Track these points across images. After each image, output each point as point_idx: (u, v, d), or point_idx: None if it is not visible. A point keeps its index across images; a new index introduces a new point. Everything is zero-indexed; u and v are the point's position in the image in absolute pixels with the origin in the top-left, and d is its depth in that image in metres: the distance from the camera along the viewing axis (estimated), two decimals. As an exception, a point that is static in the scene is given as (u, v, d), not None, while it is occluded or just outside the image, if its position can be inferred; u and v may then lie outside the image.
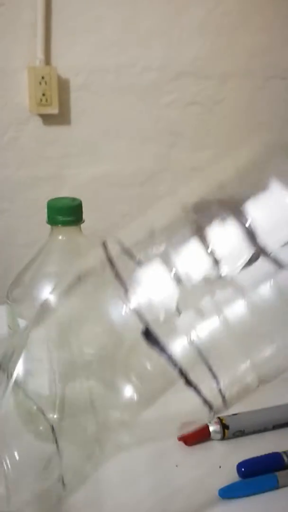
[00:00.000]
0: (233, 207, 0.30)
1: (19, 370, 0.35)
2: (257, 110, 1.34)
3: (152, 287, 0.31)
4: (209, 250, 0.29)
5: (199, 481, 0.45)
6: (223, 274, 0.30)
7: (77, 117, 1.24)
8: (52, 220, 0.46)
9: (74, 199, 0.47)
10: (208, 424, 0.49)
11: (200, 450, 0.48)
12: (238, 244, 0.29)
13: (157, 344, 0.28)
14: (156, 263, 0.31)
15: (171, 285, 0.30)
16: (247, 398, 0.53)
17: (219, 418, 0.50)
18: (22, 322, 0.45)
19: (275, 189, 0.28)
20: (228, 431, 0.49)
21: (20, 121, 1.21)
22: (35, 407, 0.36)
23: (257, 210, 0.29)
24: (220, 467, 0.46)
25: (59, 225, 0.46)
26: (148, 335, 0.28)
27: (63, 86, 1.22)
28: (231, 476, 0.45)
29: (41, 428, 0.37)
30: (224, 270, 0.29)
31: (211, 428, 0.49)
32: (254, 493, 0.43)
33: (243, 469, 0.45)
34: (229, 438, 0.49)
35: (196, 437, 0.49)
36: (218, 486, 0.44)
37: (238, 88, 1.31)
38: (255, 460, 0.46)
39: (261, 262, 0.28)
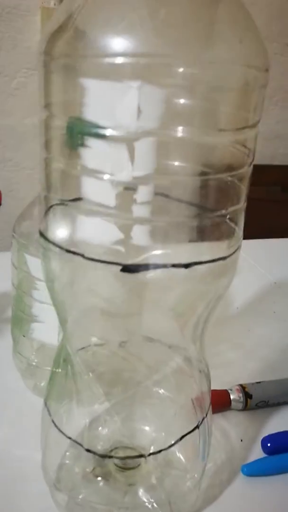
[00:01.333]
0: None
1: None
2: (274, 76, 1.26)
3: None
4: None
5: (218, 456, 0.39)
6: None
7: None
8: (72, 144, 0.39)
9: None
10: (229, 391, 0.44)
11: (219, 420, 0.43)
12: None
13: (140, 267, 0.25)
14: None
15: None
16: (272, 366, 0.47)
17: (241, 385, 0.44)
18: (29, 259, 0.39)
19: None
20: (251, 400, 0.44)
21: (30, 65, 1.13)
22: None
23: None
24: (241, 440, 0.41)
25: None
26: (128, 268, 0.25)
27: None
28: (254, 451, 0.40)
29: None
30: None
31: (232, 396, 0.44)
32: (282, 472, 0.38)
33: (268, 445, 0.40)
34: (251, 408, 0.44)
35: (215, 405, 0.43)
36: (240, 462, 0.39)
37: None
38: (283, 435, 0.41)
39: None
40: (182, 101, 0.23)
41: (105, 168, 0.24)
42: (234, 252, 0.28)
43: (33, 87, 1.15)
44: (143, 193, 0.24)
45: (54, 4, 1.10)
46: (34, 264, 0.39)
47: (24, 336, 0.42)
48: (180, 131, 0.24)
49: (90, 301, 0.30)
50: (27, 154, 1.14)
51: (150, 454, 0.35)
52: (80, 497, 0.34)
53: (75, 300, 0.30)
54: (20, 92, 1.13)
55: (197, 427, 0.34)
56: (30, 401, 0.43)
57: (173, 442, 0.34)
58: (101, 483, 0.35)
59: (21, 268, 0.41)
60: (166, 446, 0.34)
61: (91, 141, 0.23)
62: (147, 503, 0.33)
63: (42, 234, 0.28)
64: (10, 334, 0.45)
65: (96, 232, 0.25)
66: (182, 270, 0.25)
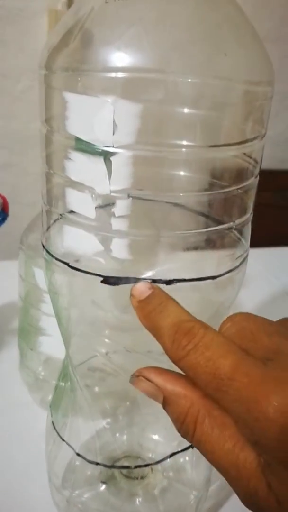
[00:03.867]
0: None
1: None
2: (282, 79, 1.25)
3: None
4: None
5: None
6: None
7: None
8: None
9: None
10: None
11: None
12: None
13: (121, 280, 0.25)
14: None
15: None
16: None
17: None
18: (37, 271, 0.38)
19: None
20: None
21: (36, 68, 1.12)
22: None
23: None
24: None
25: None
26: (108, 280, 0.25)
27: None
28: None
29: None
30: None
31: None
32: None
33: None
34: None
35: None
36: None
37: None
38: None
39: None
40: (183, 115, 0.23)
41: (85, 181, 0.23)
42: (239, 265, 0.28)
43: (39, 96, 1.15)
44: (121, 206, 0.23)
45: (61, 7, 1.09)
46: (42, 277, 0.38)
47: (31, 349, 0.41)
48: (182, 145, 0.23)
49: (92, 314, 0.29)
50: (33, 159, 1.13)
51: (156, 462, 0.34)
52: (80, 500, 0.33)
53: (78, 314, 0.29)
54: (26, 95, 1.12)
55: (191, 446, 0.33)
56: (37, 414, 0.42)
57: (169, 453, 0.33)
58: (102, 489, 0.34)
59: (29, 281, 0.40)
60: (168, 455, 0.33)
61: (73, 154, 0.23)
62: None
63: (44, 247, 0.27)
64: (17, 346, 0.44)
65: (79, 242, 0.25)
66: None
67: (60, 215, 0.25)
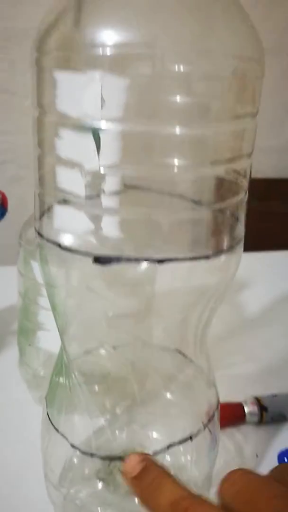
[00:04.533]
0: None
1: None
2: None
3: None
4: None
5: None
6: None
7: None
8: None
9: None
10: (244, 404, 0.42)
11: (233, 435, 0.41)
12: None
13: (112, 259, 0.25)
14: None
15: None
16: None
17: (256, 398, 0.42)
18: (36, 265, 0.38)
19: None
20: (266, 413, 0.42)
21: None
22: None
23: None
24: (257, 456, 0.39)
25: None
26: (99, 260, 0.25)
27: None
28: (270, 467, 0.38)
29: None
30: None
31: (246, 410, 0.42)
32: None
33: (286, 460, 0.38)
34: (267, 422, 0.42)
35: (229, 419, 0.41)
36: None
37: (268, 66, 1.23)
38: (300, 449, 0.39)
39: None
40: (172, 92, 0.23)
41: (74, 157, 0.24)
42: (233, 247, 0.27)
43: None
44: (111, 183, 0.23)
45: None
46: (40, 271, 0.38)
47: (30, 345, 0.41)
48: (173, 126, 0.23)
49: (88, 301, 0.29)
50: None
51: (154, 454, 0.33)
52: (77, 497, 0.32)
53: (74, 303, 0.29)
54: (34, 111, 1.14)
55: (190, 438, 0.32)
56: (36, 413, 0.42)
57: (160, 448, 0.32)
58: (100, 486, 0.33)
59: (28, 276, 0.40)
60: (166, 446, 0.32)
61: (63, 132, 0.24)
62: (143, 512, 0.32)
63: (37, 232, 0.28)
64: (16, 346, 0.44)
65: (70, 221, 0.25)
66: (184, 265, 0.25)
67: (52, 196, 0.25)
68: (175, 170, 0.24)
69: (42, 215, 0.27)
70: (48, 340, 0.39)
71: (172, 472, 0.35)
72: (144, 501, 0.23)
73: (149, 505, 0.22)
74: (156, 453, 0.32)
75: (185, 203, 0.25)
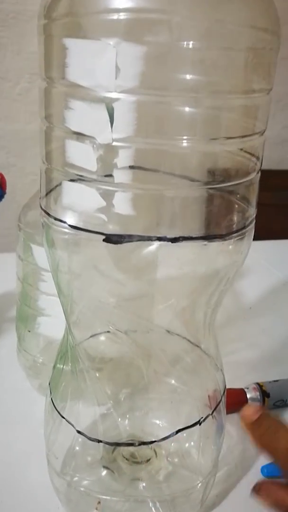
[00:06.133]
0: None
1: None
2: None
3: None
4: None
5: (233, 457, 0.37)
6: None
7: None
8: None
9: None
10: (245, 390, 0.42)
11: (236, 421, 0.40)
12: None
13: (124, 238, 0.24)
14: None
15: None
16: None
17: (258, 384, 0.42)
18: (36, 249, 0.37)
19: None
20: (268, 399, 0.41)
21: (34, 71, 1.12)
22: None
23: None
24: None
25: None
26: (111, 239, 0.24)
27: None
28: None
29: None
30: None
31: (248, 395, 0.41)
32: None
33: None
34: (269, 408, 0.41)
35: (231, 404, 0.41)
36: (259, 463, 0.36)
37: None
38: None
39: None
40: (188, 59, 0.22)
41: (86, 130, 0.22)
42: (246, 228, 0.27)
43: (37, 92, 1.15)
44: (124, 157, 0.22)
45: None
46: (41, 255, 0.37)
47: (29, 331, 0.40)
48: (186, 99, 0.22)
49: (96, 285, 0.28)
50: (31, 160, 1.13)
51: (162, 439, 0.33)
52: (81, 484, 0.32)
53: (82, 286, 0.28)
54: (23, 97, 1.12)
55: (198, 422, 0.32)
56: (36, 401, 0.41)
57: (168, 434, 0.32)
58: (104, 473, 0.33)
59: (27, 260, 0.39)
60: (174, 431, 0.32)
61: (73, 103, 0.22)
62: (149, 500, 0.31)
63: (42, 209, 0.26)
64: (14, 334, 0.43)
65: (80, 198, 0.24)
66: (195, 245, 0.24)
67: (60, 172, 0.24)
68: (186, 145, 0.23)
69: (48, 192, 0.26)
70: (49, 326, 0.38)
71: (176, 460, 0.34)
72: (263, 444, 0.25)
73: (268, 448, 0.25)
74: (163, 439, 0.31)
75: (195, 182, 0.24)
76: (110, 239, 0.24)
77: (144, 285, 0.28)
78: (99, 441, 0.31)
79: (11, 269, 0.43)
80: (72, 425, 0.31)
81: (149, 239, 0.24)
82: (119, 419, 0.35)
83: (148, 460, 0.34)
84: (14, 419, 0.39)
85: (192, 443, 0.34)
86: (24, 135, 1.13)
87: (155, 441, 0.32)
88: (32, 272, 0.39)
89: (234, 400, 0.41)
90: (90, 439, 0.30)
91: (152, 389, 0.35)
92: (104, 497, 0.31)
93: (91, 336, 0.33)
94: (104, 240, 0.24)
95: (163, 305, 0.30)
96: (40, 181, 0.27)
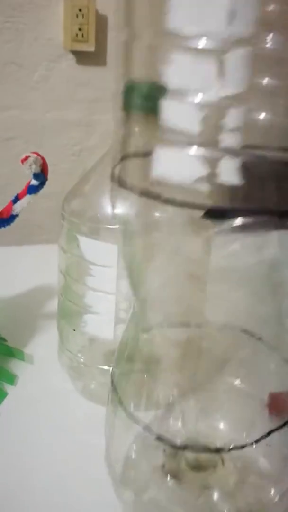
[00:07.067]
0: None
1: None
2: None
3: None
4: None
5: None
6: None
7: (113, 59, 1.12)
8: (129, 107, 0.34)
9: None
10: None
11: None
12: None
13: (228, 213, 0.20)
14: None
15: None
16: None
17: None
18: (82, 240, 0.34)
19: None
20: None
21: (52, 58, 1.09)
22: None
23: None
24: None
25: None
26: (213, 213, 0.20)
27: (101, 22, 1.09)
28: None
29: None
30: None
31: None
32: None
33: None
34: None
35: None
36: None
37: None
38: None
39: None
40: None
41: (189, 86, 0.19)
42: None
43: (55, 80, 1.11)
44: (234, 117, 0.19)
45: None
46: (88, 246, 0.34)
47: (74, 330, 0.37)
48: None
49: (175, 267, 0.24)
50: (49, 150, 1.10)
51: (230, 449, 0.30)
52: (147, 496, 0.29)
53: (156, 272, 0.25)
54: (41, 85, 1.09)
55: (286, 423, 0.28)
56: (80, 404, 0.38)
57: (257, 438, 0.29)
58: (171, 482, 0.30)
59: (72, 252, 0.35)
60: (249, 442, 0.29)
61: (174, 55, 0.19)
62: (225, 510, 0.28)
63: (116, 180, 0.23)
64: (54, 332, 0.40)
65: (175, 167, 0.20)
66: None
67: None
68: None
69: (123, 158, 0.22)
70: (96, 324, 0.35)
71: (244, 466, 0.31)
72: None
73: None
74: (224, 451, 0.28)
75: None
76: (212, 214, 0.20)
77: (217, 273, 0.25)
78: (159, 439, 0.27)
79: (49, 262, 0.39)
80: (133, 418, 0.27)
81: (258, 214, 0.20)
82: (179, 423, 0.32)
83: (215, 466, 0.31)
84: (55, 423, 0.36)
85: (259, 449, 0.31)
86: (42, 124, 1.10)
87: (232, 449, 0.29)
88: (77, 266, 0.35)
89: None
90: (159, 438, 0.27)
91: (211, 388, 0.32)
92: (174, 507, 0.28)
93: (156, 330, 0.30)
94: (204, 215, 0.20)
95: (223, 294, 0.27)
96: (112, 145, 0.23)
